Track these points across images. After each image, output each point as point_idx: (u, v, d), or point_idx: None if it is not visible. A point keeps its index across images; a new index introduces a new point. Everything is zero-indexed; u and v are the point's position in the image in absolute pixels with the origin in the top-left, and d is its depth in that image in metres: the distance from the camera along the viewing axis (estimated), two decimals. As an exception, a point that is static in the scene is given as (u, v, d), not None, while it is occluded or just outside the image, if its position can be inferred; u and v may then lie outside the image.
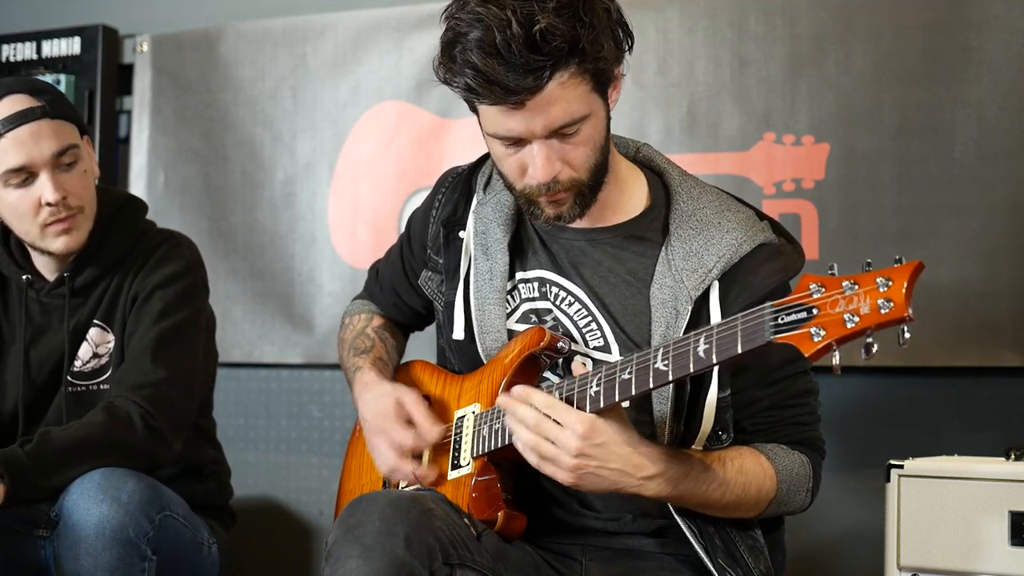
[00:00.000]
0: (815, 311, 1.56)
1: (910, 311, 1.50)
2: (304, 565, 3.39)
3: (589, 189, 1.90)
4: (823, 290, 1.57)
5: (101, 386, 2.39)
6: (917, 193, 2.82)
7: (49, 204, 2.27)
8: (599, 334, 1.96)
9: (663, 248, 1.94)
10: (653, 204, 2.00)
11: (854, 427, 2.86)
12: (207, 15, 3.57)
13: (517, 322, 2.02)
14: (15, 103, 2.27)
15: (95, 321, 2.39)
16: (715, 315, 1.88)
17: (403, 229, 2.28)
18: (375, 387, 2.09)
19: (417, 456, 2.01)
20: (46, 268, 2.40)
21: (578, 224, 1.99)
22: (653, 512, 1.97)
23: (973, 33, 2.78)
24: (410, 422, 2.01)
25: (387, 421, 2.01)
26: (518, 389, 1.82)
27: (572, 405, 1.79)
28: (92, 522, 2.09)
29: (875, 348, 1.53)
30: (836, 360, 1.56)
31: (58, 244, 2.32)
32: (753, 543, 1.94)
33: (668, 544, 1.97)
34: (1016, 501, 2.15)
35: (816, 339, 1.55)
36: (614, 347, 1.95)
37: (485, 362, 2.02)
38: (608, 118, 1.91)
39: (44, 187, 2.27)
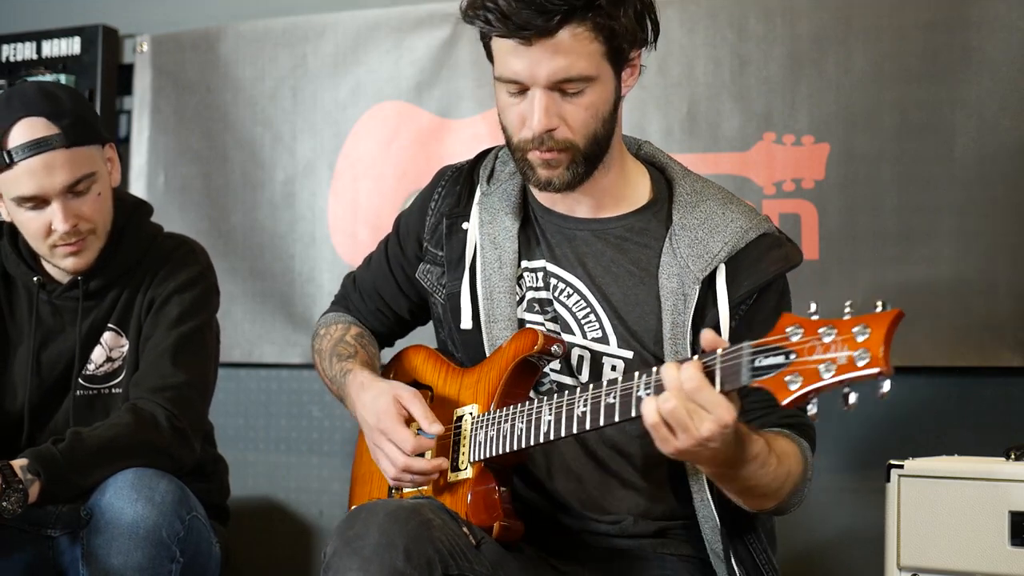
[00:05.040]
0: (792, 356, 1.51)
1: (888, 365, 1.44)
2: (304, 565, 3.39)
3: (584, 158, 1.91)
4: (801, 333, 1.51)
5: (113, 390, 2.39)
6: (917, 193, 2.82)
7: (57, 231, 2.26)
8: (597, 325, 1.97)
9: (667, 239, 1.95)
10: (656, 197, 2.02)
11: (854, 427, 2.86)
12: (207, 15, 3.57)
13: (524, 311, 2.02)
14: (31, 129, 2.22)
15: (110, 325, 2.39)
16: (722, 298, 1.89)
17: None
18: (371, 386, 2.05)
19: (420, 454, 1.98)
20: (56, 270, 2.40)
21: (581, 214, 2.01)
22: (654, 514, 1.97)
23: (973, 33, 2.78)
24: (409, 420, 1.99)
25: (387, 421, 1.98)
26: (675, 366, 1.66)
27: (535, 420, 1.82)
28: (126, 521, 2.09)
29: (853, 399, 1.48)
30: (813, 410, 1.51)
31: (66, 264, 2.32)
32: (758, 537, 1.93)
33: (668, 544, 1.97)
34: (1016, 501, 2.15)
35: (792, 387, 1.49)
36: (612, 338, 1.96)
37: (489, 352, 2.01)
38: (618, 95, 1.93)
39: (55, 216, 2.25)
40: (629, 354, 1.95)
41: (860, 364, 1.44)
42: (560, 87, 1.86)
